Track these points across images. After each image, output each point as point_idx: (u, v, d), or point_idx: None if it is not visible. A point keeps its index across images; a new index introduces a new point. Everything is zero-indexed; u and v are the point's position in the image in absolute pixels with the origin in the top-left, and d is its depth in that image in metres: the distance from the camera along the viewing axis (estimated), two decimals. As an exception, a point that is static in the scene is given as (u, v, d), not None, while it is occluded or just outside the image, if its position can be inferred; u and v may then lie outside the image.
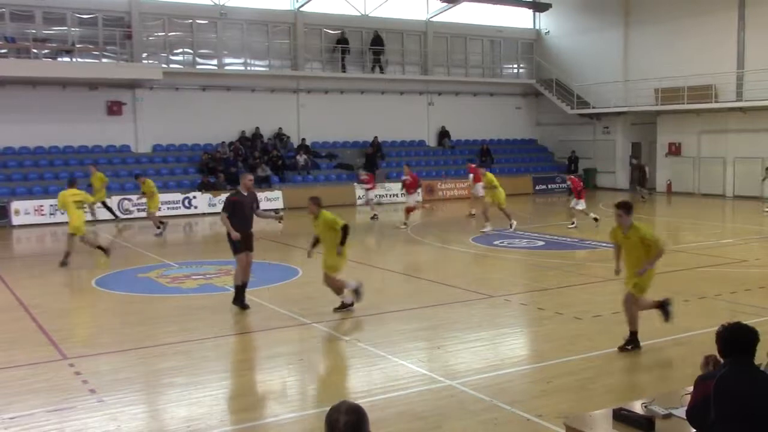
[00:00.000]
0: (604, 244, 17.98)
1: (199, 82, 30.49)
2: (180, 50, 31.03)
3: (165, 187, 27.28)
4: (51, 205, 23.83)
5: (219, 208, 26.93)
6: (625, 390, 7.67)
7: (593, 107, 35.29)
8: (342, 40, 33.49)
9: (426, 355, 9.39)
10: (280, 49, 32.82)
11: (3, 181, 25.53)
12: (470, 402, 7.48)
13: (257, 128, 31.45)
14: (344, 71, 33.63)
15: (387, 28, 34.93)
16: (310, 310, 11.49)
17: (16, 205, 23.89)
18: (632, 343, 8.99)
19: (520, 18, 38.71)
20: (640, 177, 31.41)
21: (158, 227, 21.49)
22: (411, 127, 35.43)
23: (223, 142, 30.19)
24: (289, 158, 31.02)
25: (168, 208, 25.87)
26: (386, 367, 8.67)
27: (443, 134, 36.28)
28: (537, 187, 34.79)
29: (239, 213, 11.40)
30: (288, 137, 32.25)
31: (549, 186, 35.12)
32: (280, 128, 32.05)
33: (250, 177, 12.00)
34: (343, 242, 10.98)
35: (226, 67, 31.68)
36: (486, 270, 15.90)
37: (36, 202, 24.28)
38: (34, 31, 27.79)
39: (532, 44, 39.07)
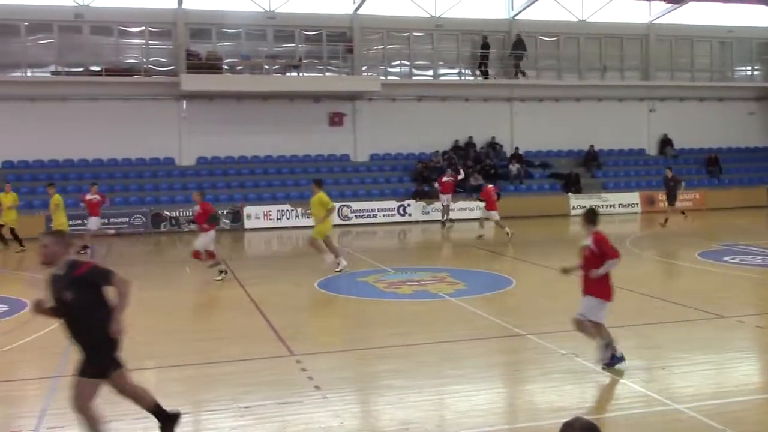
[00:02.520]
0: None
1: (415, 93, 31.25)
2: (397, 62, 32.01)
3: (381, 195, 28.29)
4: (278, 211, 25.62)
5: (432, 216, 27.73)
6: None
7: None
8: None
9: (649, 375, 8.87)
10: (495, 58, 32.79)
11: (237, 188, 27.74)
12: (701, 429, 6.96)
13: (470, 137, 31.64)
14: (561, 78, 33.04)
15: (605, 33, 33.76)
16: (524, 320, 11.31)
17: (248, 210, 25.86)
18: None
19: (755, 16, 35.71)
20: (671, 192, 25.58)
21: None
22: (630, 134, 33.93)
23: (437, 152, 30.71)
24: (502, 167, 30.88)
25: (384, 215, 26.86)
26: (606, 385, 8.31)
27: (665, 142, 34.36)
28: (773, 200, 31.89)
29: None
30: (501, 146, 32.15)
31: (787, 198, 32.05)
32: (493, 137, 32.03)
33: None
34: None
35: (441, 78, 32.20)
36: (715, 288, 14.75)
37: (265, 208, 26.13)
38: (266, 48, 29.98)
39: (768, 44, 35.99)
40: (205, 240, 15.41)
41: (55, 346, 10.17)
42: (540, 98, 32.45)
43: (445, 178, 25.76)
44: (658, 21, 34.26)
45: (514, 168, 30.77)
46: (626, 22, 34.03)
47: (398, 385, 8.32)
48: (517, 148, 31.80)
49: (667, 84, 34.30)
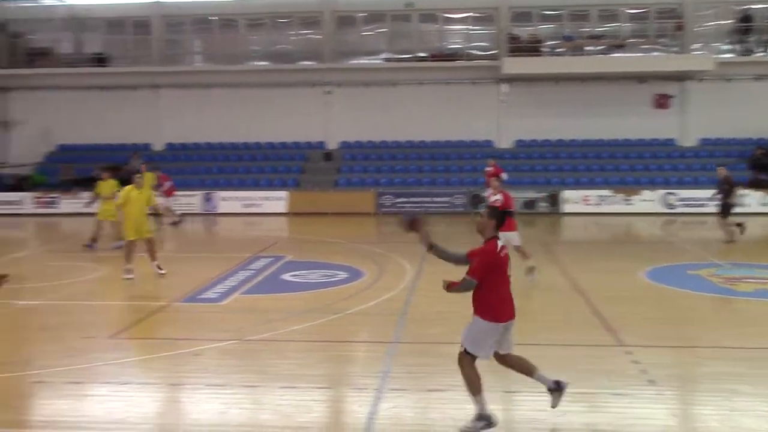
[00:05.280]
0: None
1: (754, 72, 28.32)
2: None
3: (711, 183, 26.09)
4: (598, 196, 24.97)
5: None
6: None
7: None
8: None
9: None
10: None
11: (554, 171, 27.48)
12: None
13: (821, 121, 27.97)
14: None
15: None
16: None
17: (566, 194, 25.49)
18: None
19: None
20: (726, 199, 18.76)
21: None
22: None
23: (779, 136, 27.62)
24: None
25: (715, 205, 24.78)
26: None
27: None
28: None
29: None
30: None
31: None
32: None
33: None
34: None
35: (787, 54, 28.82)
36: None
37: (582, 192, 25.54)
38: (589, 29, 29.20)
39: None
40: None
41: (391, 313, 10.91)
42: None
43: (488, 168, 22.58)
44: None
45: None
46: None
47: (743, 391, 7.59)
48: None
49: None
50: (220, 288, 12.82)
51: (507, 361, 6.87)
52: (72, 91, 29.99)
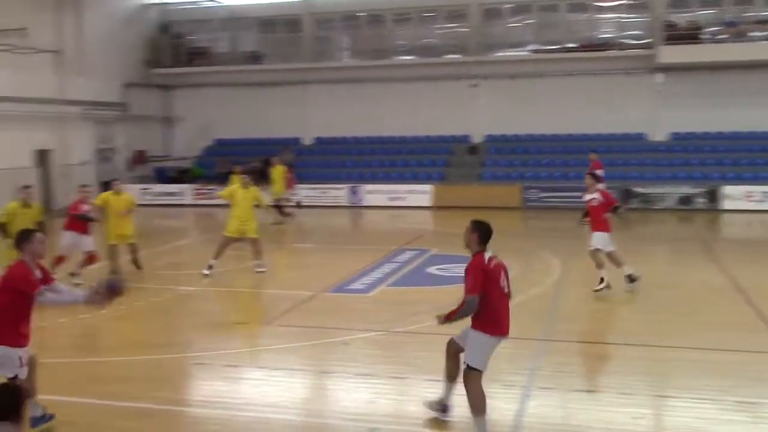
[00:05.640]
0: None
1: None
2: None
3: None
4: (762, 192, 23.37)
5: None
6: None
7: None
8: None
9: None
10: None
11: (713, 166, 25.94)
12: None
13: None
14: None
15: None
16: None
17: (727, 189, 24.00)
18: None
19: None
20: None
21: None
22: None
23: None
24: None
25: None
26: None
27: None
28: None
29: None
30: None
31: None
32: None
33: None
34: None
35: None
36: None
37: (745, 188, 23.95)
38: (753, 13, 27.33)
39: None
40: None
41: (539, 309, 10.70)
42: None
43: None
44: None
45: None
46: None
47: None
48: None
49: None
50: (366, 279, 13.06)
51: (451, 354, 6.70)
52: (228, 88, 31.52)
